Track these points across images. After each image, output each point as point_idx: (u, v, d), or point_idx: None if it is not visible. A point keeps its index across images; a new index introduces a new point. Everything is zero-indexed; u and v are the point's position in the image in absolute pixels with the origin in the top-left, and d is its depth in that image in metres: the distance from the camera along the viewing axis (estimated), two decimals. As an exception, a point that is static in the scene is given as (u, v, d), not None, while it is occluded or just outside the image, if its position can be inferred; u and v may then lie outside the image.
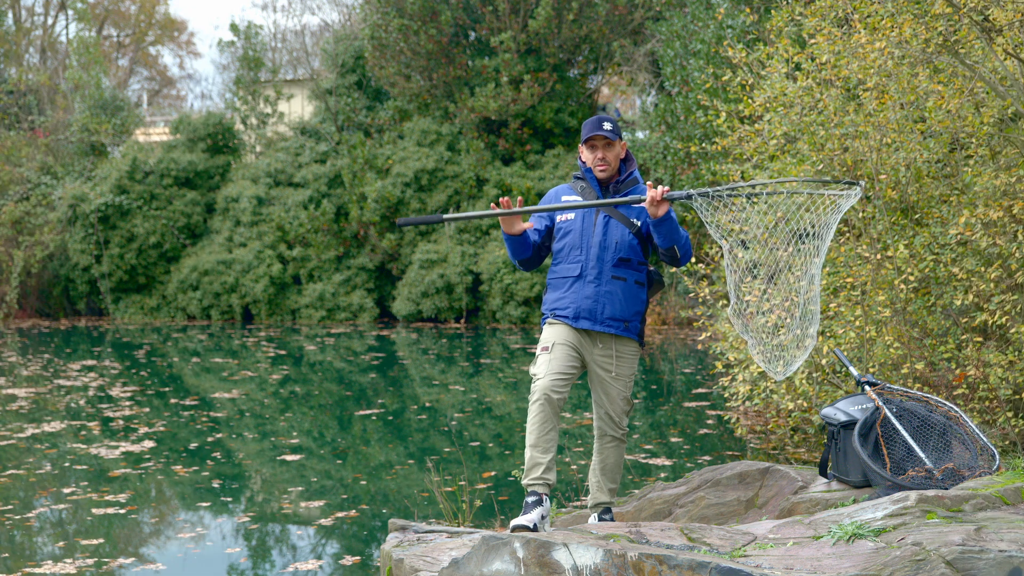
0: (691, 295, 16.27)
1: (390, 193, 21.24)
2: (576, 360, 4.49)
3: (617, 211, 4.53)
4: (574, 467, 7.69)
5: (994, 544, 3.38)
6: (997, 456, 4.53)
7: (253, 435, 9.68)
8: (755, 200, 4.44)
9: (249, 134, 24.93)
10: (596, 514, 4.73)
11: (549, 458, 4.36)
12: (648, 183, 4.37)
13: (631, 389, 4.61)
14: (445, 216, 4.52)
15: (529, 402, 4.42)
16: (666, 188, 4.31)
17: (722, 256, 4.25)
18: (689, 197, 4.32)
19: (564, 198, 4.64)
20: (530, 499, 4.36)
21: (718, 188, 4.38)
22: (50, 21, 34.43)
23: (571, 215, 4.59)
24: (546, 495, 4.41)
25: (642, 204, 4.37)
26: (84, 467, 8.24)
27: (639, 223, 4.53)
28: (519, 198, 4.53)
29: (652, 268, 4.66)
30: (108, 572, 5.72)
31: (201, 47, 61.60)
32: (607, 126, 4.55)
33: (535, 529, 4.24)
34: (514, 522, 4.25)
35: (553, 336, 4.50)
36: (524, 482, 4.41)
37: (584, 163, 4.65)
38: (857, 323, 6.57)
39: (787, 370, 4.37)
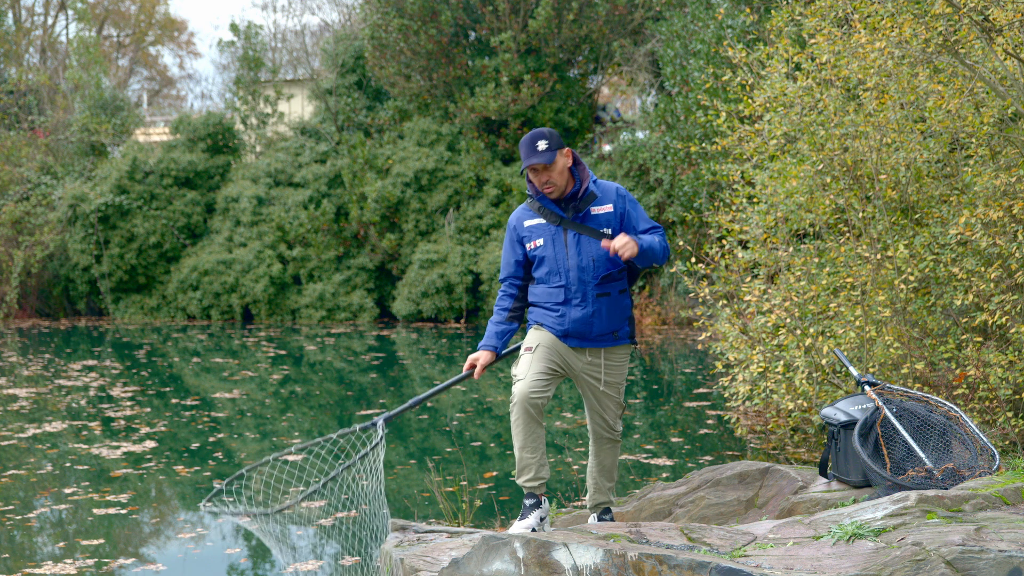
0: (691, 295, 16.26)
1: (390, 193, 21.25)
2: (559, 364, 4.41)
3: (585, 226, 4.38)
4: (575, 467, 7.69)
5: (994, 544, 3.38)
6: (997, 456, 4.53)
7: (254, 435, 9.68)
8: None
9: (249, 134, 24.92)
10: (596, 514, 4.73)
11: (539, 456, 4.34)
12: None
13: (623, 394, 4.57)
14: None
15: (510, 405, 4.36)
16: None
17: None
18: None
19: (526, 223, 4.48)
20: (528, 501, 4.37)
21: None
22: (50, 21, 34.47)
23: (540, 241, 4.43)
24: (543, 495, 4.41)
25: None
26: (85, 467, 8.24)
27: (610, 231, 4.41)
28: (481, 362, 4.47)
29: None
30: (108, 572, 5.72)
31: (201, 47, 61.65)
32: (541, 146, 4.28)
33: (534, 531, 4.24)
34: (512, 528, 4.26)
35: (539, 339, 4.42)
36: (519, 483, 4.41)
37: (533, 185, 4.44)
38: (857, 323, 6.58)
39: None
